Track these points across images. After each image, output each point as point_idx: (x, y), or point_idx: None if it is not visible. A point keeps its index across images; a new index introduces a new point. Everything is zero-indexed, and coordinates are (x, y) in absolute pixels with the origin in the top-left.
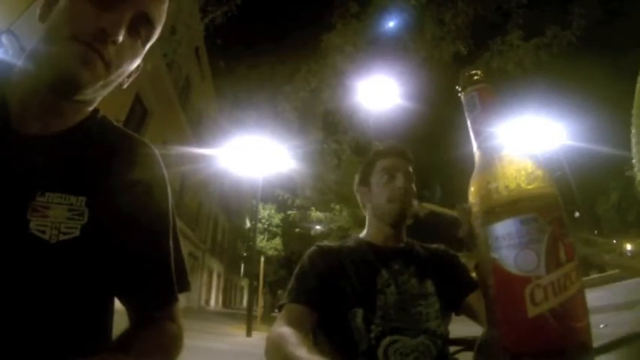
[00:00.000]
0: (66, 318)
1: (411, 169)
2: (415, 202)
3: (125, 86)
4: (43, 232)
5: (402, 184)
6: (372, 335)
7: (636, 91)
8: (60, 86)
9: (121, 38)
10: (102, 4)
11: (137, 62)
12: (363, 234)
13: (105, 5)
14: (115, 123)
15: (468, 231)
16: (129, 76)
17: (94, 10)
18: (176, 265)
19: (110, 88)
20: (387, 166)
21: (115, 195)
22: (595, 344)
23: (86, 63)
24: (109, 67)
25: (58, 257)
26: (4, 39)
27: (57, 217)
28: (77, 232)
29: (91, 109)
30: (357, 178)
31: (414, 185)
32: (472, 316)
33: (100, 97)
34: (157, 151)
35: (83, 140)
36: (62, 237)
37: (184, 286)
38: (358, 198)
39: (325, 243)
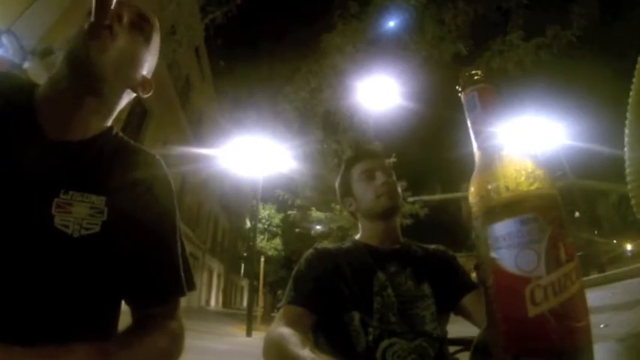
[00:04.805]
0: (81, 308)
1: (387, 165)
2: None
3: (145, 95)
4: (67, 226)
5: (384, 179)
6: (370, 338)
7: (631, 96)
8: (72, 58)
9: (125, 17)
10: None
11: (142, 58)
12: (358, 236)
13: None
14: (127, 139)
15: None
16: (142, 85)
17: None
18: (182, 264)
19: (123, 85)
20: (364, 169)
21: (129, 198)
22: (595, 344)
23: (94, 36)
24: (115, 36)
25: (79, 250)
26: (4, 39)
27: (79, 213)
28: (98, 228)
29: (108, 124)
30: (338, 192)
31: (394, 178)
32: (467, 317)
33: (115, 102)
34: (162, 162)
35: (101, 149)
36: (84, 232)
37: (190, 285)
38: (346, 210)
39: (322, 245)
